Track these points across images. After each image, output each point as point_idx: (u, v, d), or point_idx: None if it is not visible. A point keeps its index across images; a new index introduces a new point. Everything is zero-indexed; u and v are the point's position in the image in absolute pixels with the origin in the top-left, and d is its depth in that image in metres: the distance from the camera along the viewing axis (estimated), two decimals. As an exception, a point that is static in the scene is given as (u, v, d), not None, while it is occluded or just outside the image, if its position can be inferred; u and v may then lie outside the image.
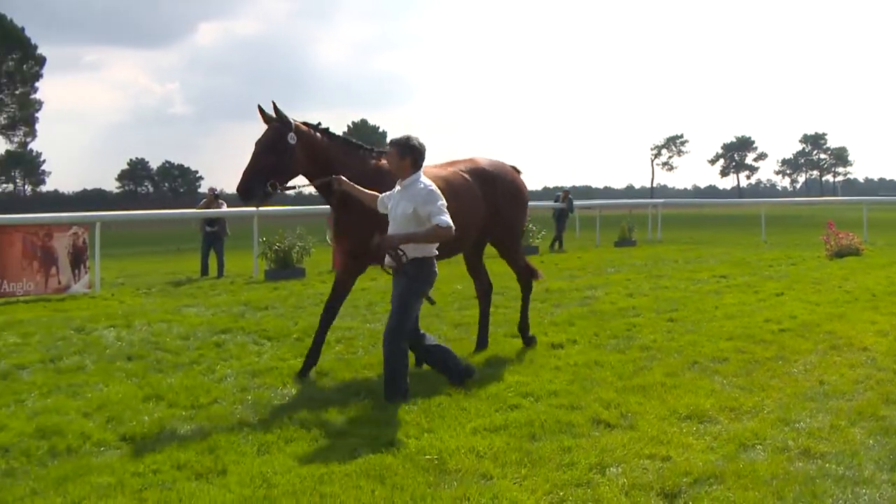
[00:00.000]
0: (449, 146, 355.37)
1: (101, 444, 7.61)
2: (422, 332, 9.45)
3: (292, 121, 9.87)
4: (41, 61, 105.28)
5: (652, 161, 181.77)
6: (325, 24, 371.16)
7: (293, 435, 7.73)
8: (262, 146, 9.67)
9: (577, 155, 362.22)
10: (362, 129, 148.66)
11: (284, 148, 9.70)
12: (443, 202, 8.91)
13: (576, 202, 37.75)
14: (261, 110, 9.88)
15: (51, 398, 9.36)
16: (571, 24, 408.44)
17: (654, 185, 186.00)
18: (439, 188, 9.74)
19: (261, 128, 9.83)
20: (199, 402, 9.02)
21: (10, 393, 9.59)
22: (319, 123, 10.29)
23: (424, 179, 9.12)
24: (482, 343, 11.70)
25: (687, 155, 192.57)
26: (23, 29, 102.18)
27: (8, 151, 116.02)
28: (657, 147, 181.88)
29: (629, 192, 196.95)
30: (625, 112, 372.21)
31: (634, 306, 15.25)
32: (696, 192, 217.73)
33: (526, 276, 12.18)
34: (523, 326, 11.98)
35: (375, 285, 19.84)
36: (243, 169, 9.66)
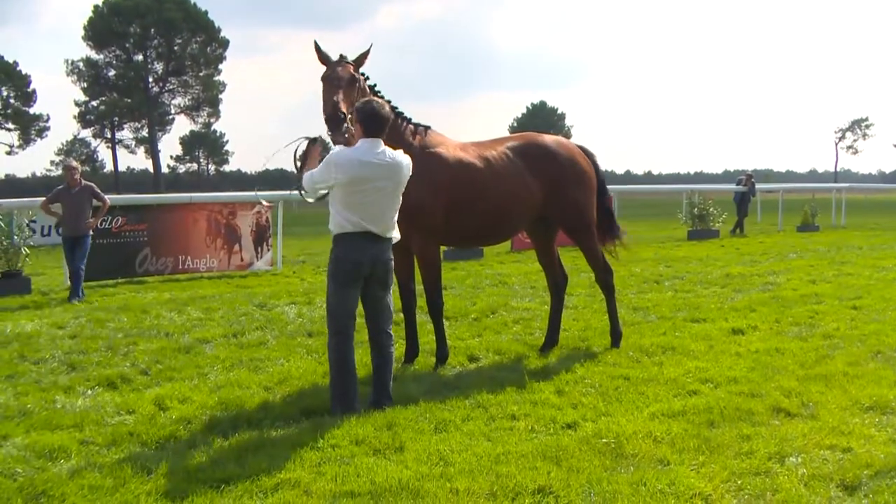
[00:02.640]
0: (626, 126, 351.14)
1: (282, 418, 7.82)
2: (387, 333, 8.42)
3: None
4: (224, 44, 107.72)
5: (836, 145, 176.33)
6: (503, 5, 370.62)
7: (470, 414, 7.84)
8: (346, 81, 8.78)
9: (759, 138, 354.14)
10: (541, 112, 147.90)
11: (357, 88, 9.00)
12: (324, 170, 7.85)
13: (757, 186, 37.02)
14: (317, 48, 9.13)
15: (233, 372, 9.70)
16: (754, 2, 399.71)
17: (838, 169, 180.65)
18: (476, 167, 9.68)
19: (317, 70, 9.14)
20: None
21: (193, 366, 9.95)
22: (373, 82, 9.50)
23: (359, 146, 7.96)
24: (551, 342, 10.84)
25: (872, 139, 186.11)
26: (206, 13, 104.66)
27: (192, 132, 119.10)
28: (841, 130, 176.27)
29: (812, 176, 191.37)
30: (808, 94, 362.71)
31: (817, 293, 14.90)
32: (882, 177, 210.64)
33: (604, 275, 11.08)
34: (613, 329, 10.98)
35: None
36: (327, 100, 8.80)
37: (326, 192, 8.10)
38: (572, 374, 9.18)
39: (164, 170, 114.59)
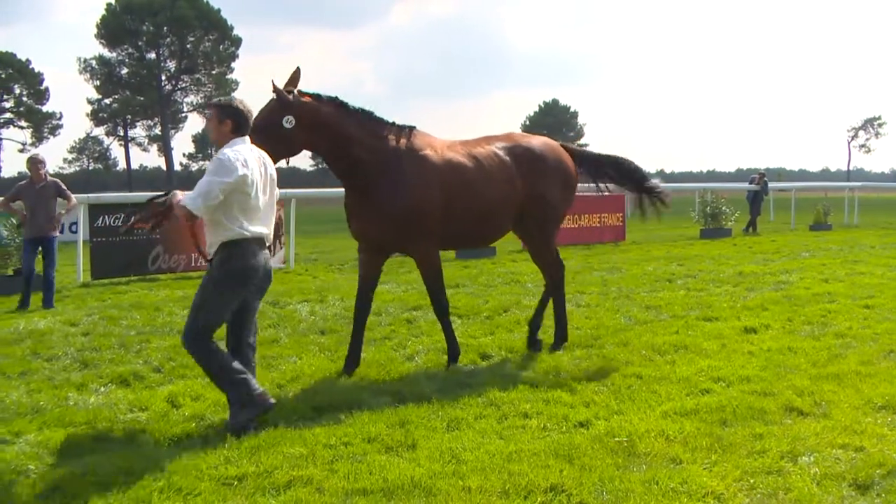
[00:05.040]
0: (638, 124, 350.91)
1: (294, 415, 7.82)
2: (251, 343, 7.99)
3: (295, 97, 8.77)
4: (237, 42, 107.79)
5: (849, 143, 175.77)
6: (515, 2, 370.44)
7: (483, 412, 7.85)
8: (256, 130, 8.02)
9: (772, 137, 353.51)
10: (554, 109, 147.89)
11: (279, 132, 8.60)
12: (221, 178, 7.19)
13: (770, 184, 36.96)
14: (276, 91, 8.75)
15: (246, 369, 9.69)
16: (765, 2, 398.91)
17: (851, 167, 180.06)
18: (468, 167, 9.57)
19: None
20: (389, 377, 9.22)
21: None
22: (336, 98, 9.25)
23: (234, 147, 7.44)
24: (561, 338, 10.76)
25: (885, 137, 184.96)
26: (219, 11, 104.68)
27: (205, 130, 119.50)
28: (854, 129, 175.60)
29: (825, 174, 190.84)
30: (821, 93, 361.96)
31: (829, 292, 14.87)
32: (895, 175, 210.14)
33: (556, 270, 10.84)
34: (559, 330, 10.82)
35: (565, 265, 19.84)
36: None
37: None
38: (585, 373, 9.20)
39: (177, 167, 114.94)
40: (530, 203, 10.23)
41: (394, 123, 9.57)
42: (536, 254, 10.87)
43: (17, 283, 15.82)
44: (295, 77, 9.05)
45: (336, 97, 9.22)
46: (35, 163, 15.29)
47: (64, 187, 15.44)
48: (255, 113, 7.92)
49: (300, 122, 8.75)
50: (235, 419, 7.36)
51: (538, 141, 10.66)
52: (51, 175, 15.32)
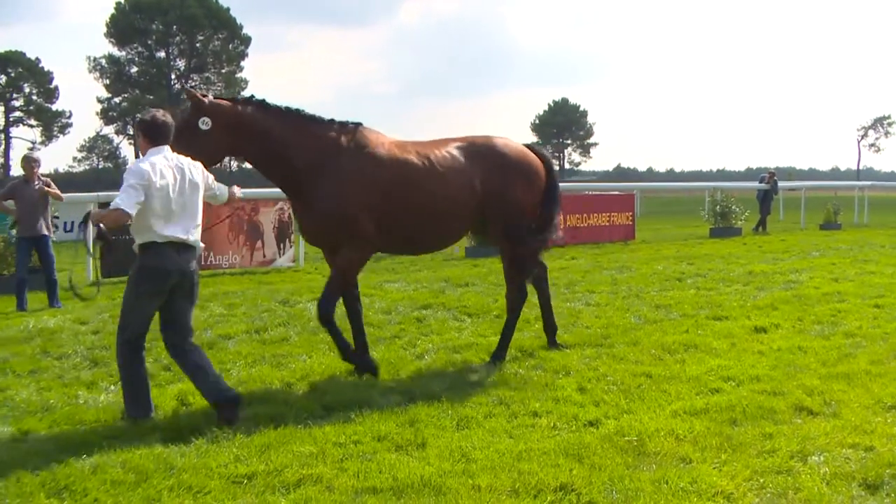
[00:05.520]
0: (648, 123, 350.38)
1: (304, 414, 7.83)
2: (188, 346, 8.00)
3: (210, 99, 8.91)
4: (247, 41, 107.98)
5: (858, 142, 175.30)
6: (524, 1, 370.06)
7: (492, 411, 7.87)
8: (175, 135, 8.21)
9: (781, 136, 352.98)
10: (563, 108, 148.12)
11: (196, 135, 8.71)
12: (133, 182, 7.54)
13: (780, 183, 36.90)
14: (189, 95, 8.96)
15: (255, 368, 9.76)
16: (776, 0, 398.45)
17: (861, 167, 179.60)
18: (415, 167, 9.28)
19: None
20: (399, 376, 9.25)
21: (216, 362, 9.90)
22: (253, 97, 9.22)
23: (148, 158, 7.77)
24: (551, 330, 10.65)
25: (895, 137, 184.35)
26: (228, 10, 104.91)
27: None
28: (864, 128, 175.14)
29: (834, 174, 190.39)
30: (831, 92, 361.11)
31: (839, 291, 14.84)
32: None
33: (519, 293, 10.21)
34: (502, 346, 10.14)
35: (575, 264, 19.94)
36: None
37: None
38: (594, 372, 9.20)
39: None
40: (491, 203, 9.78)
41: (332, 121, 9.36)
42: (508, 255, 10.17)
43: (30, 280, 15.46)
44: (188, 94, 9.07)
45: (253, 96, 9.22)
46: (30, 161, 15.13)
47: (52, 185, 15.33)
48: (171, 123, 8.11)
49: (216, 123, 8.78)
50: (128, 410, 7.84)
51: (499, 140, 10.16)
52: (60, 173, 15.31)
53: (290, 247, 21.20)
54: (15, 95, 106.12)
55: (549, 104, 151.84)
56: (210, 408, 7.84)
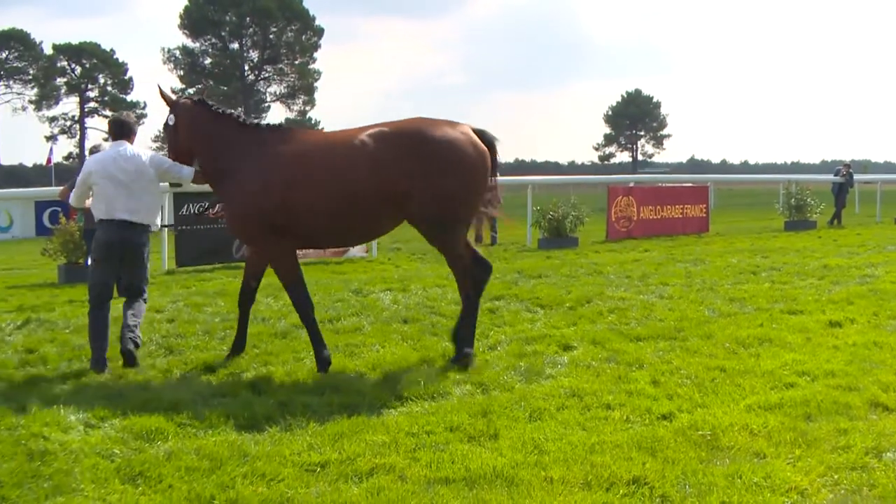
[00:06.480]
0: (722, 114, 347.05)
1: (377, 403, 7.88)
2: (132, 300, 9.86)
3: (179, 97, 9.94)
4: (319, 32, 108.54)
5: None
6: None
7: (565, 402, 7.83)
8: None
9: (857, 128, 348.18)
10: (637, 100, 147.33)
11: (168, 131, 10.03)
12: (78, 179, 9.93)
13: (855, 176, 36.45)
14: (159, 91, 9.87)
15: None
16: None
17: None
18: (313, 163, 9.12)
19: None
20: (472, 367, 9.22)
21: (289, 351, 10.08)
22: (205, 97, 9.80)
23: (98, 154, 10.37)
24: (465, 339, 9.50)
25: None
26: (301, 1, 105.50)
27: (288, 119, 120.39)
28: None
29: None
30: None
31: (917, 286, 14.62)
32: None
33: (462, 268, 9.49)
34: (464, 335, 9.51)
35: (649, 256, 19.89)
36: None
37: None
38: (668, 365, 9.14)
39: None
40: (416, 195, 9.09)
41: (258, 123, 9.57)
42: (443, 253, 9.72)
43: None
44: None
45: (201, 97, 9.67)
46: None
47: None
48: (131, 122, 10.16)
49: (178, 121, 9.63)
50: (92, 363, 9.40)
51: (431, 126, 9.31)
52: None
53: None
54: (90, 86, 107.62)
55: (621, 95, 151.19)
56: (284, 396, 7.94)
